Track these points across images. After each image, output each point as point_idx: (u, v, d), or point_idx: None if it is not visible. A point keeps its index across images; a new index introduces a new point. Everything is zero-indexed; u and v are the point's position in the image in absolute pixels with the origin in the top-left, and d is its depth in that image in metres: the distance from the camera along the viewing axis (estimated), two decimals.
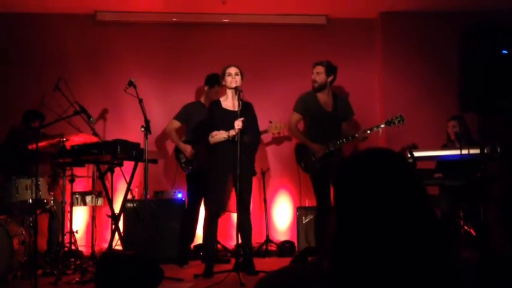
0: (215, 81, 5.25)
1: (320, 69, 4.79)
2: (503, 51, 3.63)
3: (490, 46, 3.65)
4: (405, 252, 1.13)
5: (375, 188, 1.18)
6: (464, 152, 4.56)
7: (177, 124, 5.41)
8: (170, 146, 5.92)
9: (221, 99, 4.62)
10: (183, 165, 5.27)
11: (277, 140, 6.16)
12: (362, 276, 1.12)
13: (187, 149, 5.23)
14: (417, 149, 5.00)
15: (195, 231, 5.29)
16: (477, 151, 4.39)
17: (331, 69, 4.81)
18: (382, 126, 4.76)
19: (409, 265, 1.12)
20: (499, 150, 4.43)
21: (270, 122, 5.61)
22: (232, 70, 4.49)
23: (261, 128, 4.92)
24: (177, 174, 5.63)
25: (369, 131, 4.74)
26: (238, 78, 4.48)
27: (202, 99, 5.44)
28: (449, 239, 1.21)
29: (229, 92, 4.54)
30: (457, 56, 3.85)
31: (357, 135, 4.73)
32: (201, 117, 5.20)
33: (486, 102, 3.66)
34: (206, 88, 5.38)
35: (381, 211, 1.16)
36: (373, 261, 1.12)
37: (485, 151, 4.14)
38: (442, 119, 5.45)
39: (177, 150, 5.36)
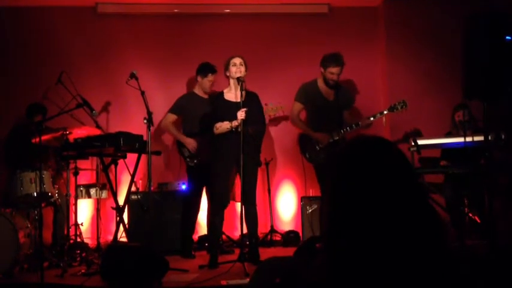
0: (208, 69, 5.25)
1: (339, 70, 4.76)
2: (507, 38, 3.59)
3: (493, 33, 3.62)
4: (400, 242, 1.11)
5: (369, 178, 1.16)
6: (469, 139, 4.54)
7: (173, 117, 5.35)
8: (170, 137, 5.90)
9: (224, 90, 4.60)
10: (188, 159, 5.20)
11: (282, 129, 6.14)
12: (357, 266, 1.11)
13: (192, 143, 5.15)
14: (420, 134, 4.98)
15: (196, 222, 5.27)
16: (481, 138, 4.37)
17: (344, 66, 4.79)
18: (385, 112, 4.76)
19: (403, 257, 1.10)
20: (503, 137, 4.41)
21: (266, 104, 5.54)
22: (237, 60, 4.47)
23: None
24: (181, 167, 5.57)
25: (372, 118, 4.74)
26: (242, 68, 4.46)
27: (195, 90, 5.41)
28: (444, 231, 1.19)
29: (233, 83, 4.52)
30: (461, 43, 3.81)
31: (360, 122, 4.73)
32: (196, 108, 5.16)
33: (490, 89, 3.64)
34: (199, 78, 5.34)
35: (375, 201, 1.14)
36: (368, 252, 1.11)
37: (490, 138, 4.12)
38: (446, 107, 5.42)
39: (179, 144, 5.30)
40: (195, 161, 5.17)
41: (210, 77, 5.28)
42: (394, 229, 1.12)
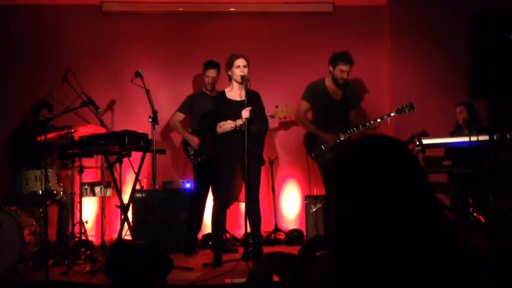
0: (205, 66, 5.40)
1: (349, 68, 4.74)
2: None
3: (500, 32, 3.60)
4: (408, 242, 1.10)
5: (377, 178, 1.15)
6: (473, 138, 4.52)
7: (181, 116, 5.45)
8: (177, 137, 5.93)
9: (226, 90, 4.60)
10: (192, 157, 5.28)
11: (286, 128, 6.14)
12: (366, 266, 1.10)
13: (194, 140, 5.24)
14: (427, 135, 4.97)
15: (202, 220, 5.32)
16: (486, 138, 4.35)
17: (353, 64, 4.78)
18: (393, 114, 4.75)
19: (412, 258, 1.10)
20: (508, 136, 4.39)
21: (276, 107, 5.55)
22: (242, 62, 4.45)
23: (268, 113, 4.91)
24: (186, 165, 5.60)
25: (379, 120, 4.72)
26: (246, 70, 4.45)
27: (204, 88, 5.49)
28: (453, 231, 1.18)
29: (235, 82, 4.52)
30: (467, 43, 3.80)
31: (368, 124, 4.71)
32: (204, 107, 5.19)
33: (497, 89, 3.62)
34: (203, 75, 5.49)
35: (383, 201, 1.13)
36: (376, 252, 1.10)
37: (495, 138, 4.10)
38: (452, 107, 5.41)
39: (185, 142, 5.37)
40: (199, 159, 5.21)
41: (208, 72, 5.37)
42: (404, 229, 1.11)
